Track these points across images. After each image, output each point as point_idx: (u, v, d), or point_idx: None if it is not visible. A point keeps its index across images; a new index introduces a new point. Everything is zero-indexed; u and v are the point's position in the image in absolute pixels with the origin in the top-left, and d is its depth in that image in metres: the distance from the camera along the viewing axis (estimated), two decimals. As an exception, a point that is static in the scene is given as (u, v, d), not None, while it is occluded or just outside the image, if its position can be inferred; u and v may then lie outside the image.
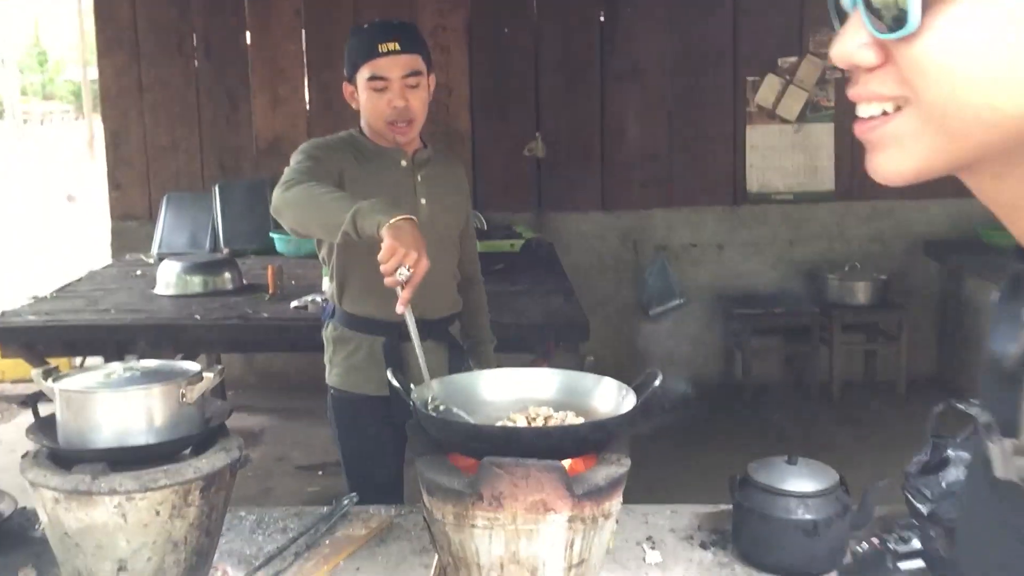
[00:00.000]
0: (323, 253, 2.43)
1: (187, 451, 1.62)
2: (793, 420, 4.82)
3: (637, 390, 1.62)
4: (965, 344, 5.35)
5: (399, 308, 1.85)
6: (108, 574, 1.56)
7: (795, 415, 4.99)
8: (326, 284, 3.78)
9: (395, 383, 1.61)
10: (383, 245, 1.85)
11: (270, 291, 3.86)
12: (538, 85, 5.54)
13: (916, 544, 0.86)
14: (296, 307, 3.60)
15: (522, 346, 3.14)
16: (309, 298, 3.62)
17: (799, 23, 5.44)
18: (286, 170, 2.20)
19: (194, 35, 5.51)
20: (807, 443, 1.93)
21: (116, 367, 1.68)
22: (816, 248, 5.63)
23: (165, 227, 5.26)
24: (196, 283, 3.90)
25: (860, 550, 0.91)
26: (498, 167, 5.48)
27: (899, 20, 0.60)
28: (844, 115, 5.45)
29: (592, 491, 1.50)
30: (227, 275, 4.00)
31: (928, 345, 5.63)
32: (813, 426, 4.74)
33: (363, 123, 2.39)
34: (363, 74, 2.28)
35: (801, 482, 1.73)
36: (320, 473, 4.27)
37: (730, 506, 1.84)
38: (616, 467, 1.56)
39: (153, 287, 3.98)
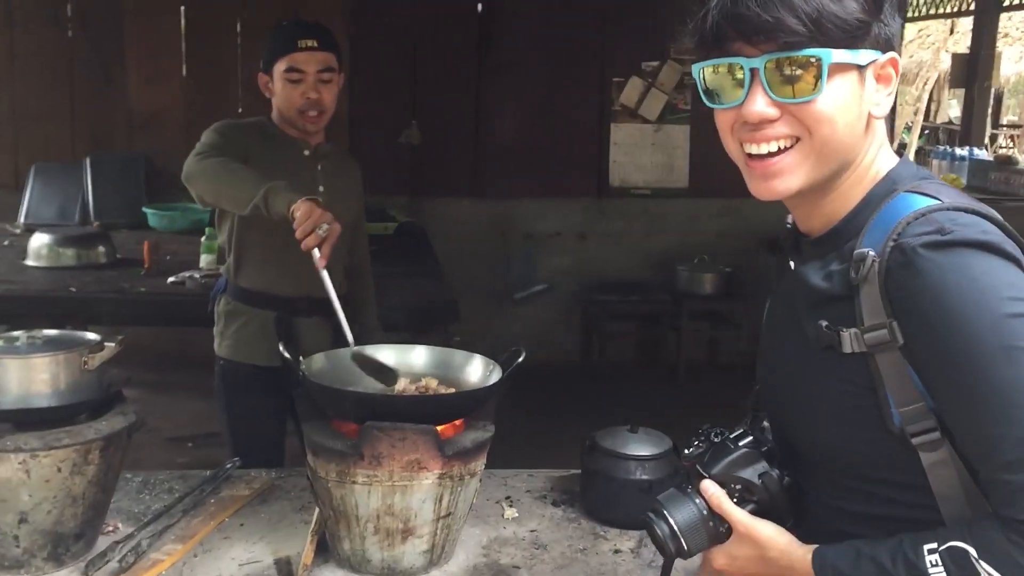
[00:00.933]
0: (224, 234, 2.56)
1: (85, 414, 1.76)
2: (643, 398, 5.18)
3: (503, 365, 1.85)
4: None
5: (320, 265, 2.02)
6: (10, 526, 1.68)
7: (645, 394, 5.36)
8: (204, 260, 3.89)
9: (287, 355, 1.78)
10: (298, 214, 2.03)
11: (145, 266, 3.90)
12: (416, 74, 5.70)
13: (734, 431, 1.22)
14: (173, 282, 3.66)
15: (395, 326, 3.31)
16: (187, 274, 3.68)
17: (662, 30, 5.76)
18: (199, 144, 2.37)
19: (69, 5, 5.41)
20: (654, 418, 2.19)
21: (20, 335, 1.79)
22: (669, 241, 6.01)
23: (32, 197, 5.16)
24: (69, 255, 3.90)
25: (694, 454, 1.23)
26: (374, 152, 5.59)
27: (809, 92, 1.03)
28: (699, 118, 5.84)
29: (460, 452, 1.71)
30: (101, 248, 4.02)
31: (766, 333, 6.10)
32: (660, 403, 5.11)
33: (274, 112, 2.56)
34: (280, 66, 2.45)
35: (640, 447, 1.99)
36: (190, 445, 4.34)
37: (579, 471, 2.08)
38: (482, 432, 1.78)
39: (22, 258, 3.95)
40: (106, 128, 5.51)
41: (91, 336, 1.83)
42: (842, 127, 1.06)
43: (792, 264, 1.20)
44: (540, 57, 5.77)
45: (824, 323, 1.07)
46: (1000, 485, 0.97)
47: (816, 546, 1.10)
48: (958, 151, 7.56)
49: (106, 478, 1.78)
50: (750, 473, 1.15)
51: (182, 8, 5.42)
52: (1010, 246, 1.01)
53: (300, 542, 1.80)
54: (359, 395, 1.77)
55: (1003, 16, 8.87)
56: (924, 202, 1.04)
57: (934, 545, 1.01)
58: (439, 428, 1.70)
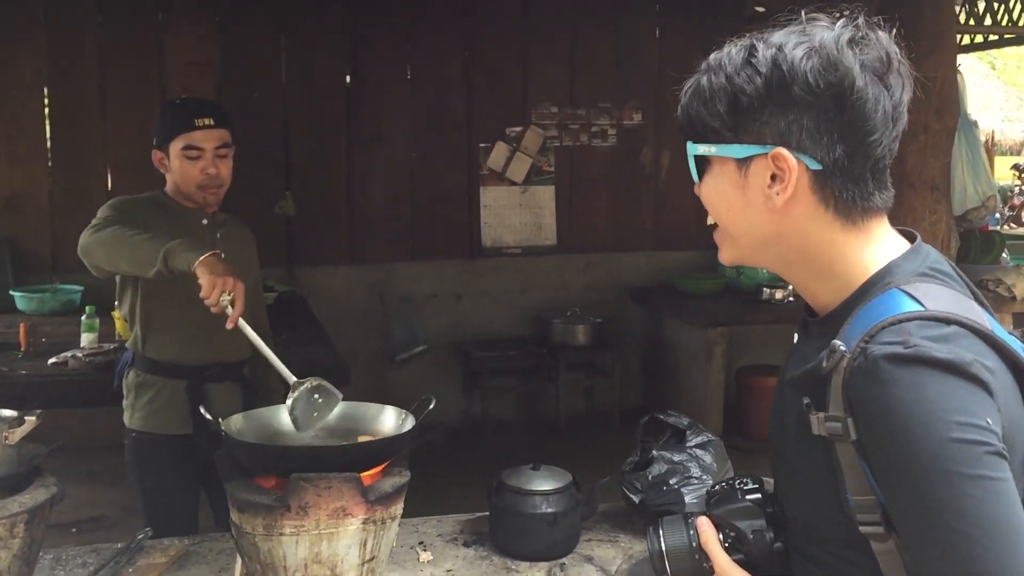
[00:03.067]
0: (126, 306, 2.59)
1: (8, 488, 1.78)
2: (525, 450, 5.33)
3: (415, 413, 1.97)
4: (665, 376, 6.14)
5: (229, 325, 2.08)
6: (-66, 606, 1.69)
7: (527, 446, 5.51)
8: (85, 339, 3.85)
9: (208, 416, 1.86)
10: (201, 282, 2.09)
11: (22, 348, 3.84)
12: (288, 146, 5.78)
13: (753, 483, 1.30)
14: (55, 363, 3.62)
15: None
16: (68, 354, 3.64)
17: (524, 98, 6.09)
18: (94, 219, 2.40)
19: (-77, 92, 5.28)
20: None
21: (-63, 415, 1.81)
22: (542, 296, 6.25)
23: None
24: (-61, 342, 3.81)
25: (713, 491, 1.33)
26: (249, 223, 5.62)
27: (696, 178, 1.19)
28: (563, 178, 6.17)
29: (382, 497, 1.82)
30: (-28, 333, 3.93)
31: (636, 379, 6.38)
32: (543, 454, 5.27)
33: (169, 187, 2.61)
34: (178, 144, 2.52)
35: (544, 483, 2.14)
36: (74, 530, 4.22)
37: (484, 513, 2.20)
38: (399, 477, 1.89)
39: None
40: (-36, 211, 5.35)
41: (8, 412, 1.86)
42: (725, 212, 1.17)
43: (796, 339, 1.25)
44: (408, 126, 5.95)
45: (807, 400, 1.10)
46: None
47: None
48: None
49: (30, 551, 1.81)
50: (746, 525, 1.20)
51: (45, 89, 5.35)
52: (977, 367, 1.00)
53: (225, 601, 1.87)
54: (285, 449, 1.86)
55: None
56: (907, 305, 1.05)
57: None
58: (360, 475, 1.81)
